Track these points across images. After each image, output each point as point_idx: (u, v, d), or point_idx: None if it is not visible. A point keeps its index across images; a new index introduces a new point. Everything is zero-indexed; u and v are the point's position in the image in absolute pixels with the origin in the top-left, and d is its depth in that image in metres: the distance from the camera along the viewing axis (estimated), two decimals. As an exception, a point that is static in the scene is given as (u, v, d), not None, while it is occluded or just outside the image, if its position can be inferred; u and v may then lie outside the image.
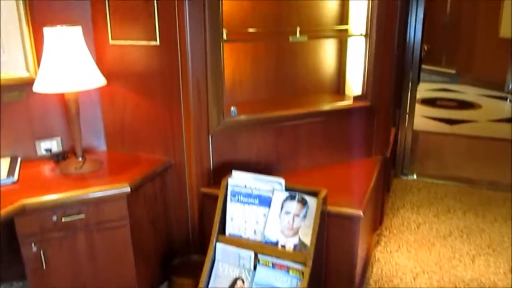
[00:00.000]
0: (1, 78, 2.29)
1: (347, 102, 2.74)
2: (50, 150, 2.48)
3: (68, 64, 2.11)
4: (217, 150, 2.42)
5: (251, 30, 2.55)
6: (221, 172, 2.40)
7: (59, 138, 2.50)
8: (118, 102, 2.46)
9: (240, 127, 2.44)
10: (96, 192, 2.11)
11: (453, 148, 4.99)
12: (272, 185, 2.16)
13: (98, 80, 2.22)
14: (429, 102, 6.82)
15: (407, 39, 3.65)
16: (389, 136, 3.09)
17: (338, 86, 2.96)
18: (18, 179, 2.21)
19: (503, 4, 7.28)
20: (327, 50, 2.86)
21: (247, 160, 2.50)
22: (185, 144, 2.38)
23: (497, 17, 7.36)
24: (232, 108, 2.41)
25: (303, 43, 2.72)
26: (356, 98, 2.71)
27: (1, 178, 2.17)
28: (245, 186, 2.19)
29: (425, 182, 4.00)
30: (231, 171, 2.21)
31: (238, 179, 2.22)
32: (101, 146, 2.57)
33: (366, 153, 2.79)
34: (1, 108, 2.35)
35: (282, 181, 2.15)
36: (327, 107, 2.66)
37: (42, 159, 2.48)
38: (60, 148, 2.50)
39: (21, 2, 2.23)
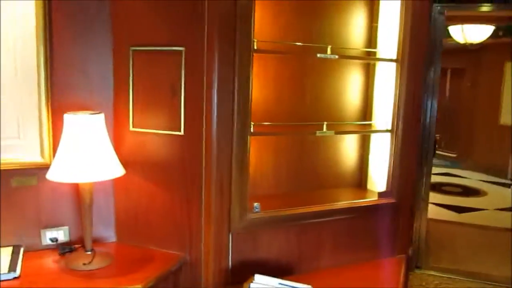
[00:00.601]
0: (14, 162, 2.16)
1: (371, 199, 2.61)
2: (56, 240, 2.30)
3: (87, 153, 2.00)
4: (236, 247, 2.26)
5: (275, 123, 2.47)
6: (239, 272, 2.24)
7: (66, 228, 2.33)
8: (133, 191, 2.32)
9: (262, 224, 2.30)
10: (105, 295, 1.91)
11: (465, 239, 4.83)
12: (298, 293, 1.98)
13: (117, 170, 2.10)
14: (435, 187, 6.74)
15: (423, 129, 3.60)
16: (412, 232, 2.95)
17: (360, 180, 2.85)
18: (20, 274, 2.00)
19: (503, 91, 7.42)
20: (349, 144, 2.78)
21: (267, 259, 2.34)
22: (203, 240, 2.21)
23: (497, 104, 7.48)
24: (255, 204, 2.28)
25: (326, 137, 2.64)
26: (381, 194, 2.60)
27: (2, 273, 1.97)
28: (269, 292, 2.00)
29: (440, 278, 3.79)
30: (253, 274, 2.03)
31: (261, 284, 2.04)
32: (111, 237, 2.40)
33: (390, 252, 2.64)
34: (10, 192, 2.19)
35: (310, 289, 1.97)
36: (351, 204, 2.53)
37: (47, 249, 2.29)
38: (67, 238, 2.32)
39: (42, 87, 2.14)
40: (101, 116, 2.07)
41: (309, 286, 1.99)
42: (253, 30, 2.11)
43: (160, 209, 2.29)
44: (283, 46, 2.43)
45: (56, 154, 2.06)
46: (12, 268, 2.03)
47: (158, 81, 2.20)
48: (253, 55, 2.15)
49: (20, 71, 2.14)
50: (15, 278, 2.00)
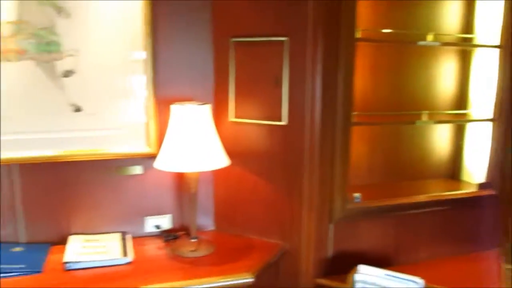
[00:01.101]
0: (122, 152, 2.24)
1: (469, 190, 2.54)
2: (159, 227, 2.37)
3: (194, 143, 2.04)
4: (337, 237, 2.26)
5: (373, 112, 2.43)
6: (339, 262, 2.23)
7: (169, 215, 2.39)
8: (232, 181, 2.36)
9: (362, 214, 2.28)
10: (217, 281, 1.96)
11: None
12: (406, 284, 1.95)
13: (223, 161, 2.13)
14: None
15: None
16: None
17: (453, 171, 2.77)
18: (132, 260, 2.08)
19: None
20: (443, 133, 2.70)
21: (365, 249, 2.32)
22: (304, 230, 2.22)
23: None
24: (356, 195, 2.26)
25: (422, 126, 2.58)
26: (481, 186, 2.51)
27: (116, 258, 2.06)
28: (375, 283, 1.99)
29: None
30: (353, 265, 2.03)
31: (367, 275, 2.03)
32: (209, 225, 2.45)
33: (489, 245, 2.55)
34: (117, 181, 2.28)
35: (420, 280, 1.94)
36: (449, 195, 2.47)
37: (150, 236, 2.36)
38: (170, 226, 2.38)
39: (149, 80, 2.20)
40: (207, 106, 2.11)
41: (419, 278, 1.96)
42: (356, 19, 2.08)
43: (260, 199, 2.31)
44: (383, 34, 2.38)
45: (163, 144, 2.12)
46: (125, 253, 2.11)
47: (260, 72, 2.21)
48: (356, 44, 2.11)
49: (128, 65, 2.20)
50: (128, 263, 2.06)
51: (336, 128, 2.13)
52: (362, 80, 2.42)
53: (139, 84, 2.23)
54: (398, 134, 2.62)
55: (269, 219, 2.30)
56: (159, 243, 2.31)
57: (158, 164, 2.12)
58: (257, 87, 2.23)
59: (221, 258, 2.15)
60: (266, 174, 2.27)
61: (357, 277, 2.03)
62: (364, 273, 2.04)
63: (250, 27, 2.21)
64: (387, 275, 2.01)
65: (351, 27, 2.09)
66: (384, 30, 2.38)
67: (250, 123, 2.27)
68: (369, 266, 2.06)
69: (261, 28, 2.18)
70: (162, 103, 2.24)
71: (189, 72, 2.31)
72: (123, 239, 2.26)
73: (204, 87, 2.33)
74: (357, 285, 2.02)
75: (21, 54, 2.09)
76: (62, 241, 2.23)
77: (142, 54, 2.21)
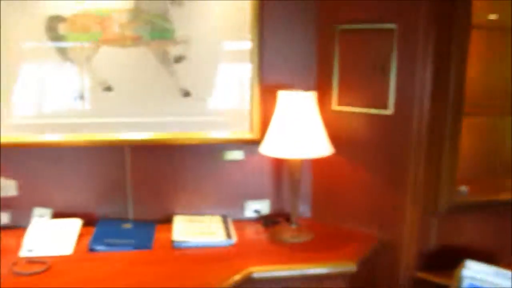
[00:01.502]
0: (226, 137, 2.29)
1: None
2: (258, 212, 2.41)
3: (299, 130, 2.06)
4: (440, 231, 2.19)
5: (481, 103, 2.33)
6: (441, 257, 2.17)
7: (268, 201, 2.42)
8: (331, 169, 2.35)
9: (466, 209, 2.20)
10: (320, 267, 1.97)
11: None
12: (521, 284, 1.86)
13: (326, 149, 2.13)
14: None
15: None
16: None
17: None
18: (235, 242, 2.14)
19: None
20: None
21: (467, 245, 2.23)
22: (406, 222, 2.17)
23: None
24: (463, 187, 2.19)
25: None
26: None
27: (221, 239, 2.12)
28: (485, 281, 1.91)
29: None
30: (455, 260, 1.96)
31: (475, 271, 1.96)
32: (306, 213, 2.46)
33: None
34: (220, 166, 2.35)
35: (537, 281, 1.84)
36: None
37: (249, 220, 2.41)
38: (268, 211, 2.42)
39: (255, 68, 2.24)
40: (313, 94, 2.11)
41: (535, 278, 1.86)
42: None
43: (360, 189, 2.29)
44: (494, 21, 2.27)
45: (269, 130, 2.15)
46: (228, 235, 2.16)
47: (365, 59, 2.18)
48: (471, 32, 2.03)
49: (235, 53, 2.25)
50: (232, 245, 2.12)
51: (446, 118, 2.06)
52: (472, 68, 2.31)
53: (245, 71, 2.27)
54: (504, 127, 2.49)
55: (368, 210, 2.28)
56: (259, 227, 2.35)
57: (263, 149, 2.15)
58: (362, 75, 2.20)
59: (322, 246, 2.16)
60: (367, 164, 2.25)
61: (465, 273, 1.97)
62: (472, 269, 1.97)
63: (357, 13, 2.19)
64: (499, 273, 1.93)
65: (467, 12, 2.00)
66: (492, 17, 2.26)
67: (353, 111, 2.24)
68: (478, 262, 1.98)
69: (369, 14, 2.15)
70: (266, 90, 2.27)
71: (292, 60, 2.32)
72: (225, 222, 2.32)
73: (307, 75, 2.34)
74: (465, 281, 1.96)
75: (136, 41, 2.19)
76: (166, 220, 2.33)
77: (248, 42, 2.23)
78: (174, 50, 2.20)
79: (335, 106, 2.28)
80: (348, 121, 2.27)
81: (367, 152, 2.25)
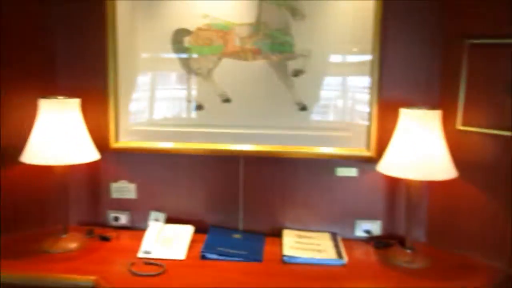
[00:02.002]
0: (340, 153, 2.24)
1: None
2: (369, 232, 2.31)
3: (423, 150, 1.97)
4: None
5: None
6: None
7: (379, 221, 2.33)
8: (451, 193, 2.20)
9: None
10: (440, 298, 1.83)
11: None
12: None
13: (450, 171, 2.00)
14: None
15: None
16: None
17: None
18: (346, 263, 2.06)
19: None
20: None
21: None
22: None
23: None
24: None
25: None
26: None
27: (332, 258, 2.05)
28: None
29: None
30: None
31: None
32: (420, 237, 2.32)
33: None
34: (332, 181, 2.30)
35: None
36: None
37: (358, 240, 2.33)
38: (380, 232, 2.32)
39: (374, 84, 2.17)
40: (437, 112, 1.99)
41: None
42: None
43: (482, 215, 2.12)
44: None
45: (388, 147, 2.07)
46: (339, 254, 2.10)
47: (496, 77, 2.02)
48: None
49: (354, 66, 2.20)
50: (342, 265, 2.05)
51: None
52: None
53: (364, 85, 2.21)
54: None
55: (491, 239, 2.10)
56: (369, 248, 2.26)
57: (380, 167, 2.07)
58: (491, 93, 2.05)
59: (439, 274, 2.02)
60: (494, 190, 2.08)
61: None
62: None
63: (488, 27, 2.03)
64: None
65: None
66: None
67: (479, 132, 2.09)
68: None
69: (501, 28, 1.99)
70: (385, 105, 2.19)
71: (413, 75, 2.22)
72: (334, 240, 2.26)
73: (428, 91, 2.22)
74: None
75: (256, 54, 2.22)
76: (275, 233, 2.32)
77: (368, 56, 2.17)
78: (293, 64, 2.20)
79: (459, 125, 2.14)
80: (472, 141, 2.12)
81: (493, 176, 2.08)
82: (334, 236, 2.30)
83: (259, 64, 2.21)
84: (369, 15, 2.14)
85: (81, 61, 2.30)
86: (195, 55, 2.23)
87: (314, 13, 2.16)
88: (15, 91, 2.16)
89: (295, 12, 2.16)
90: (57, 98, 2.07)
